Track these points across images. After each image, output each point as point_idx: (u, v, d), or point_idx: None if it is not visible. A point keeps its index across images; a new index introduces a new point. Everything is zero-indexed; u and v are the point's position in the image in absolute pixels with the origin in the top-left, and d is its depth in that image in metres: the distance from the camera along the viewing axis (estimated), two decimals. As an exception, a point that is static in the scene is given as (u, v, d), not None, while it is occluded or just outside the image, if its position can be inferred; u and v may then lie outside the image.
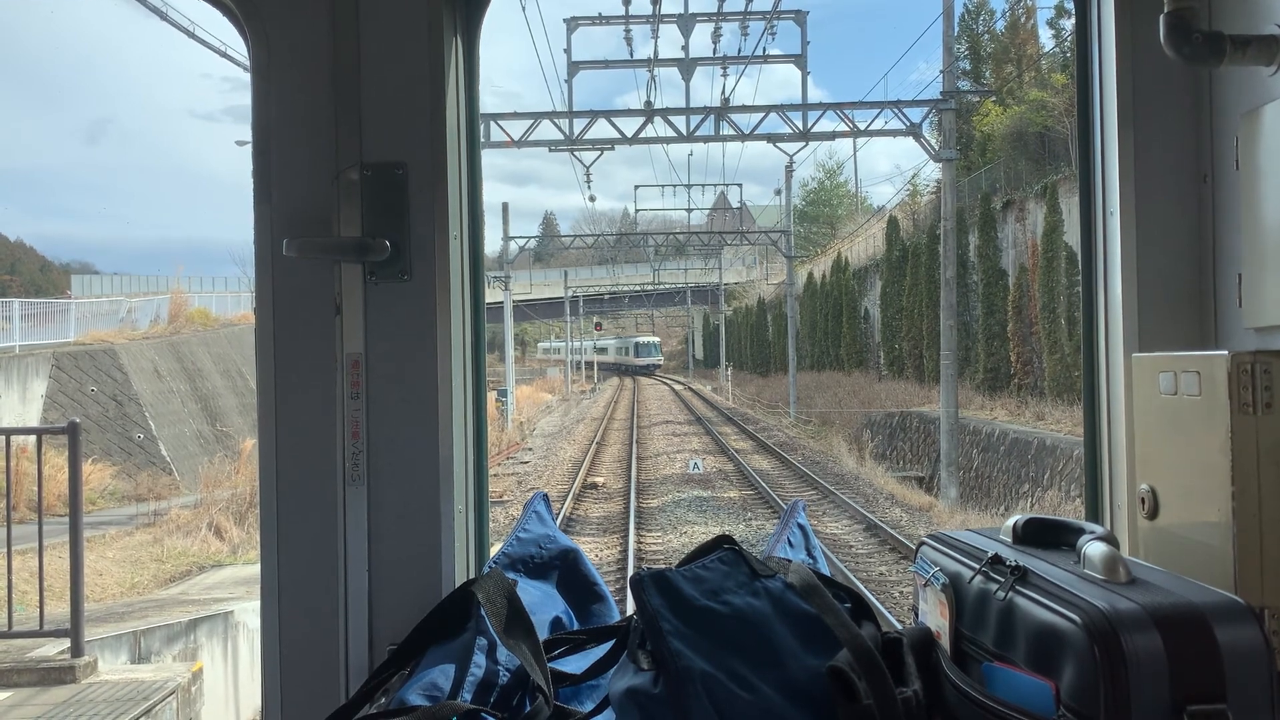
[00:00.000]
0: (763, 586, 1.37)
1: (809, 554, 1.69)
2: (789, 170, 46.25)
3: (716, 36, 29.49)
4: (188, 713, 7.69)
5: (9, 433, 9.40)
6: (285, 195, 1.71)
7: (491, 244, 44.33)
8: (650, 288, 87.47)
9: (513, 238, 44.75)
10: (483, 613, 1.47)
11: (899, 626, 1.51)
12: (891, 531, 17.32)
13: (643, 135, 25.89)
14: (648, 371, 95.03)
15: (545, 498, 1.80)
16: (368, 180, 1.70)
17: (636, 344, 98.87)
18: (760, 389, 59.49)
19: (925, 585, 1.42)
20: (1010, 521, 1.39)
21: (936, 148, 25.09)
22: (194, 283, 39.91)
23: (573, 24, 27.78)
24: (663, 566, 1.45)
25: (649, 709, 1.24)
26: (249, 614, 10.19)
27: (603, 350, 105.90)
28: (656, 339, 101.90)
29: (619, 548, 16.99)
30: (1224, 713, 1.04)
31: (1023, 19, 43.68)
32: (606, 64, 29.57)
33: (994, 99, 38.46)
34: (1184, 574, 1.23)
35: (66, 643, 7.42)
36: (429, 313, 1.71)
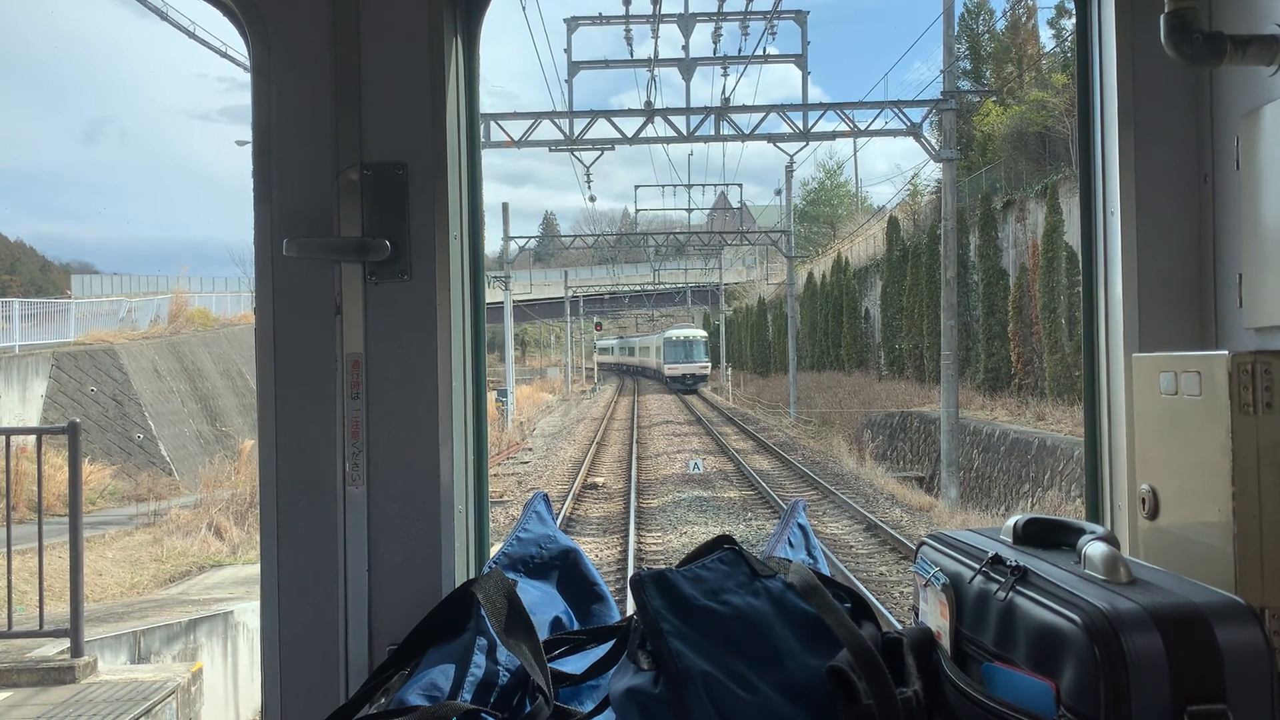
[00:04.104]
0: (763, 586, 1.37)
1: (809, 554, 1.69)
2: (789, 170, 46.24)
3: (716, 36, 29.49)
4: (187, 713, 7.69)
5: (9, 433, 9.38)
6: (285, 195, 1.71)
7: (491, 244, 44.34)
8: (650, 288, 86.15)
9: (513, 238, 44.73)
10: (483, 613, 1.47)
11: (899, 626, 1.50)
12: (892, 532, 17.32)
13: (643, 135, 25.89)
14: (687, 385, 63.52)
15: (545, 498, 1.80)
16: (368, 180, 1.70)
17: (667, 340, 67.06)
18: (760, 389, 59.42)
19: (925, 585, 1.42)
20: (1010, 521, 1.39)
21: (937, 148, 25.08)
22: (194, 283, 39.98)
23: (573, 24, 27.79)
24: (663, 566, 1.44)
25: (649, 709, 1.24)
26: (249, 614, 10.19)
27: (630, 350, 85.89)
28: (701, 334, 68.65)
29: (619, 548, 16.99)
30: (1224, 713, 1.04)
31: (1023, 19, 43.70)
32: (606, 64, 29.56)
33: (994, 99, 38.44)
34: (1184, 574, 1.23)
35: (66, 643, 7.41)
36: (429, 313, 1.71)
